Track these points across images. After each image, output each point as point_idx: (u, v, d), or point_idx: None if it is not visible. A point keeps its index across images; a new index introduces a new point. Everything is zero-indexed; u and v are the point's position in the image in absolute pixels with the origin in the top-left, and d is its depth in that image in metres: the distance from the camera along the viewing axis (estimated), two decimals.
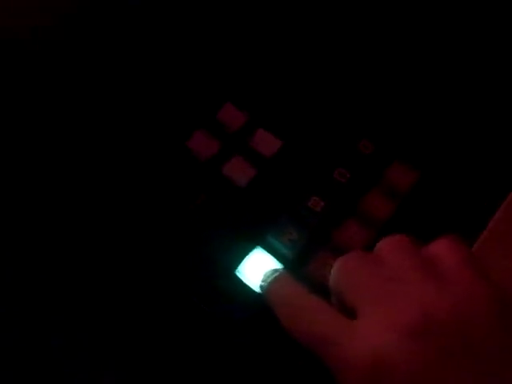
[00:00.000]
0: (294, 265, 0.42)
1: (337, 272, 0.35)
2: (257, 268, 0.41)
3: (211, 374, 0.41)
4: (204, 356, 0.41)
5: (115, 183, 0.44)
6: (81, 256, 0.43)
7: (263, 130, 0.46)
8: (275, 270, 0.39)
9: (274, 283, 0.38)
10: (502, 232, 0.42)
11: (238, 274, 0.41)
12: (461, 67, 0.49)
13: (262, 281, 0.39)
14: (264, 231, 0.43)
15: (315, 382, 0.37)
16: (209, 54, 0.49)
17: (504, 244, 0.42)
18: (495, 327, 0.32)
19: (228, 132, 0.46)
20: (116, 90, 0.47)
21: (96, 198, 0.44)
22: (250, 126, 0.46)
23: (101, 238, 0.43)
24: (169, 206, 0.44)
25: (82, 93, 0.47)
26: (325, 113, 0.47)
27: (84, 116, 0.46)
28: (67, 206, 0.44)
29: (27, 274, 0.42)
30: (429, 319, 0.31)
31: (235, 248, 0.42)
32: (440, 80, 0.48)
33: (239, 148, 0.46)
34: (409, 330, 0.31)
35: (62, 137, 0.45)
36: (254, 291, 0.40)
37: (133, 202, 0.44)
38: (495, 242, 0.42)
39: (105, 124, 0.46)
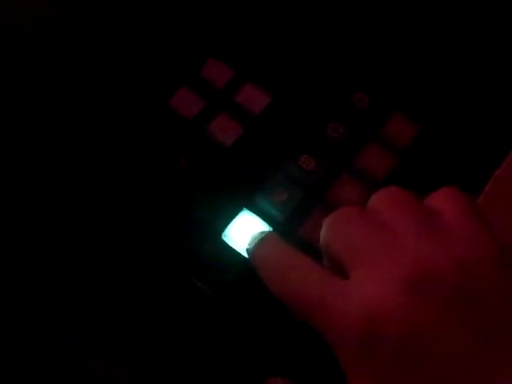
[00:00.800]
0: (285, 227, 0.39)
1: (327, 228, 0.32)
2: (244, 231, 0.38)
3: (203, 343, 0.38)
4: (194, 323, 0.38)
5: (94, 145, 0.41)
6: (67, 223, 0.40)
7: (250, 85, 0.43)
8: (262, 232, 0.36)
9: (260, 245, 0.35)
10: (504, 188, 0.39)
11: (224, 238, 0.38)
12: (463, 12, 0.45)
13: (249, 244, 0.36)
14: (252, 192, 0.40)
15: (305, 347, 0.35)
16: (191, 6, 0.45)
17: (507, 200, 0.39)
18: (498, 279, 0.29)
19: (213, 89, 0.43)
20: (96, 46, 0.44)
21: (76, 164, 0.41)
22: (236, 81, 0.43)
23: (83, 207, 0.40)
24: (150, 168, 0.41)
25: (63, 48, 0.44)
26: (316, 64, 0.44)
27: (65, 74, 0.43)
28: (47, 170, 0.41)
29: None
30: (427, 272, 0.29)
31: (221, 211, 0.39)
32: (438, 27, 0.45)
33: (225, 105, 0.43)
34: (405, 284, 0.29)
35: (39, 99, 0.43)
36: (241, 256, 0.37)
37: (113, 165, 0.41)
38: (498, 198, 0.39)
39: (84, 82, 0.43)
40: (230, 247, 0.38)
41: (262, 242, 0.35)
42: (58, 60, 0.44)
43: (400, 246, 0.30)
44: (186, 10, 0.45)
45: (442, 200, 0.32)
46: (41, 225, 0.40)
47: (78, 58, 0.44)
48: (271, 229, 0.38)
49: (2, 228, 0.40)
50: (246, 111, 0.43)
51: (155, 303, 0.39)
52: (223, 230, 0.39)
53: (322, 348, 0.31)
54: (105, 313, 0.39)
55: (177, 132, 0.42)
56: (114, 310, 0.39)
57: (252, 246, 0.35)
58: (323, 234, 0.33)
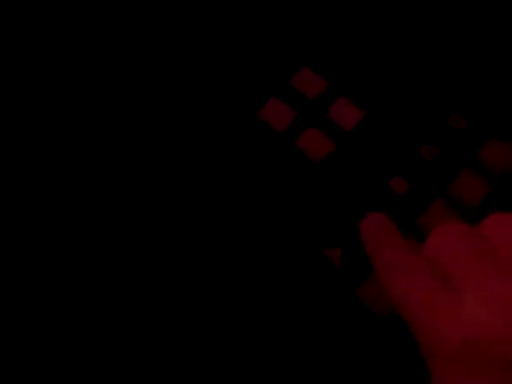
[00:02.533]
0: None
1: (439, 238, 0.31)
2: None
3: None
4: None
5: (177, 157, 0.41)
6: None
7: (343, 99, 0.42)
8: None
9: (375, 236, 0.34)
10: None
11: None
12: None
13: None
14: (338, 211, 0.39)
15: None
16: (285, 13, 0.44)
17: None
18: None
19: (305, 100, 0.42)
20: (184, 54, 0.43)
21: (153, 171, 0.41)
22: (329, 94, 0.42)
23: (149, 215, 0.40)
24: (237, 182, 0.40)
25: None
26: (412, 82, 0.42)
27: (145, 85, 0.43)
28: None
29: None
30: None
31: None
32: None
33: (316, 119, 0.42)
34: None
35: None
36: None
37: (196, 178, 0.41)
38: None
39: (169, 91, 0.43)
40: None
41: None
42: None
43: (505, 270, 0.29)
44: (279, 17, 0.44)
45: None
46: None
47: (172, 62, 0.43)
48: None
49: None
50: (338, 126, 0.42)
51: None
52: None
53: None
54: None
55: (265, 144, 0.41)
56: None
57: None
58: (432, 243, 0.32)
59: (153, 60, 0.44)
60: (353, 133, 0.41)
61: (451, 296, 0.30)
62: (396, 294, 0.32)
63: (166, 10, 0.45)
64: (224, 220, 0.40)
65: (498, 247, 0.31)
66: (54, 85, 0.44)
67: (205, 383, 0.37)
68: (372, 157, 0.41)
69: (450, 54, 0.43)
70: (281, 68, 0.43)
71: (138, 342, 0.38)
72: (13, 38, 0.45)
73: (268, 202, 0.40)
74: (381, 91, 0.42)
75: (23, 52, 0.45)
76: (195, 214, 0.40)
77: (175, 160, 0.41)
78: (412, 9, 0.44)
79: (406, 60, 0.43)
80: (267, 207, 0.40)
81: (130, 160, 0.41)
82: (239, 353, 0.37)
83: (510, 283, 0.29)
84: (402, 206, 0.39)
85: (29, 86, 0.44)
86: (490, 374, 0.28)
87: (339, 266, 0.38)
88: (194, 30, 0.44)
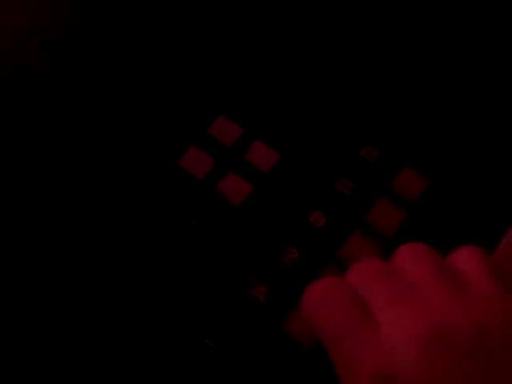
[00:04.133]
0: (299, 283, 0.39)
1: (356, 272, 0.33)
2: None
3: None
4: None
5: (102, 208, 0.42)
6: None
7: (259, 142, 0.43)
8: None
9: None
10: None
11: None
12: (469, 65, 0.46)
13: None
14: (262, 252, 0.40)
15: None
16: (199, 64, 0.46)
17: None
18: None
19: (222, 147, 0.44)
20: (106, 105, 0.44)
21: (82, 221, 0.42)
22: (245, 139, 0.44)
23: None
24: (161, 229, 0.41)
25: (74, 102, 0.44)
26: (323, 120, 0.44)
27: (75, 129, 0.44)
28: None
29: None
30: (447, 332, 0.30)
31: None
32: (445, 79, 0.45)
33: (234, 163, 0.43)
34: (425, 341, 0.30)
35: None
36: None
37: (122, 228, 0.41)
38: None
39: (94, 140, 0.44)
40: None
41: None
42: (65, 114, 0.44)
43: (424, 302, 0.31)
44: (193, 68, 0.46)
45: (465, 259, 0.33)
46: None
47: (86, 113, 0.44)
48: None
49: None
50: (256, 169, 0.43)
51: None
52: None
53: None
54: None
55: (187, 192, 0.42)
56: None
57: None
58: (351, 277, 0.33)
59: None
60: (270, 174, 0.43)
61: (368, 330, 0.31)
62: (317, 320, 0.33)
63: None
64: (148, 268, 0.40)
65: (408, 277, 0.32)
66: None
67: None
68: (290, 194, 0.42)
69: (358, 91, 0.45)
70: (197, 117, 0.44)
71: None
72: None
73: (191, 249, 0.41)
74: (294, 131, 0.44)
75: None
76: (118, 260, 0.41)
77: (95, 213, 0.42)
78: (319, 55, 0.46)
79: (314, 98, 0.45)
80: (191, 254, 0.41)
81: None
82: None
83: (415, 309, 0.31)
84: (322, 238, 0.40)
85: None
86: None
87: (265, 303, 0.38)
88: (119, 81, 0.45)
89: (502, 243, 0.40)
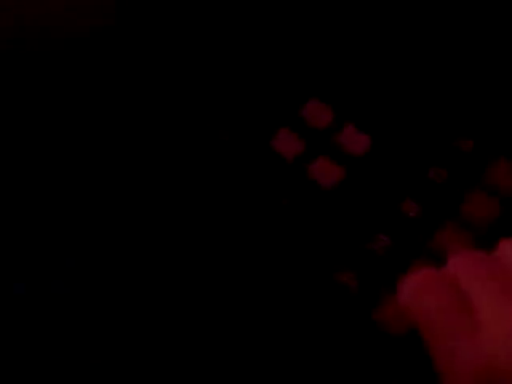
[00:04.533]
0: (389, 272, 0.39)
1: (458, 265, 0.32)
2: None
3: None
4: None
5: (191, 188, 0.42)
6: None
7: (351, 126, 0.43)
8: None
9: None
10: None
11: None
12: None
13: None
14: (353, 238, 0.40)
15: None
16: (288, 46, 0.46)
17: None
18: None
19: (314, 129, 0.43)
20: (195, 87, 0.45)
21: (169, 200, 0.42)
22: (337, 122, 0.43)
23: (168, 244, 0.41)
24: (249, 211, 0.41)
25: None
26: (419, 106, 0.43)
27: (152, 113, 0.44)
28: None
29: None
30: None
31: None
32: None
33: (326, 147, 0.43)
34: None
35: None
36: None
37: (208, 209, 0.42)
38: None
39: (184, 124, 0.44)
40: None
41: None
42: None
43: None
44: (287, 50, 0.45)
45: None
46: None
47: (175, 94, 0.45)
48: None
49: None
50: (348, 153, 0.43)
51: None
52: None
53: None
54: None
55: (278, 174, 0.42)
56: None
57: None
58: (451, 269, 0.32)
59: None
60: (362, 159, 0.42)
61: (470, 323, 0.30)
62: (421, 317, 0.32)
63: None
64: (237, 247, 0.41)
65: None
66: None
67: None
68: (382, 181, 0.42)
69: (454, 77, 0.44)
70: (290, 99, 0.44)
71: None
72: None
73: (281, 230, 0.41)
74: (387, 116, 0.43)
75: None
76: (208, 240, 0.41)
77: (190, 193, 0.42)
78: (413, 36, 0.45)
79: (411, 85, 0.44)
80: (281, 235, 0.41)
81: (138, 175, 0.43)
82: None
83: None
84: (413, 229, 0.40)
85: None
86: None
87: (355, 291, 0.38)
88: (206, 66, 0.46)
89: None
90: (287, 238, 0.41)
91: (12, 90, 0.45)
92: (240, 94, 0.45)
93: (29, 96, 0.45)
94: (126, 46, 0.46)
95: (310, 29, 0.46)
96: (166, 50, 0.46)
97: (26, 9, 0.47)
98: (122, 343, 0.39)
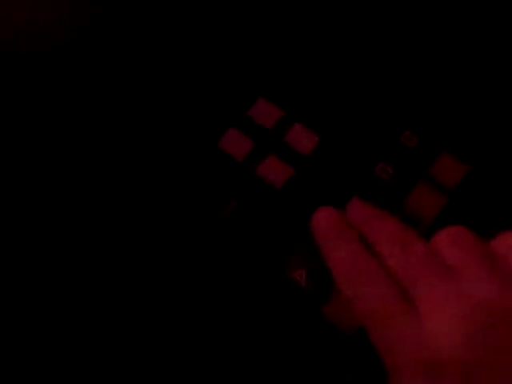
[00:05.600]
0: None
1: (397, 252, 0.33)
2: None
3: None
4: None
5: (138, 191, 0.42)
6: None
7: (299, 125, 0.44)
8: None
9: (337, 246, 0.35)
10: None
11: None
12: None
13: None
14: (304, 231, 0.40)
15: None
16: (234, 48, 0.46)
17: None
18: None
19: (262, 129, 0.44)
20: (141, 90, 0.45)
21: (117, 206, 0.42)
22: (285, 121, 0.44)
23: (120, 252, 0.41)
24: (197, 214, 0.42)
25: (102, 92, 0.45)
26: (363, 104, 0.44)
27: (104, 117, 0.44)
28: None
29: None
30: (494, 319, 0.29)
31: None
32: (488, 67, 0.45)
33: (274, 146, 0.43)
34: (469, 324, 0.29)
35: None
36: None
37: (157, 213, 0.42)
38: None
39: (131, 125, 0.44)
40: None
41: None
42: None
43: (464, 288, 0.31)
44: (234, 50, 0.46)
45: (507, 244, 0.32)
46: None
47: (124, 95, 0.45)
48: None
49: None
50: (296, 152, 0.43)
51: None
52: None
53: None
54: None
55: (226, 175, 0.43)
56: None
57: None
58: (389, 251, 0.33)
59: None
60: (311, 157, 0.43)
61: (408, 312, 0.31)
62: (360, 308, 0.33)
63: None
64: (188, 249, 0.41)
65: (447, 260, 0.32)
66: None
67: None
68: (330, 179, 0.42)
69: (398, 74, 0.45)
70: (237, 99, 0.45)
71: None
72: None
73: (231, 232, 0.41)
74: (334, 114, 0.44)
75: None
76: (158, 241, 0.41)
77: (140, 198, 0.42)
78: (356, 34, 0.46)
79: (355, 83, 0.45)
80: (230, 237, 0.41)
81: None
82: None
83: (459, 294, 0.30)
84: None
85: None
86: None
87: (305, 287, 0.39)
88: (155, 66, 0.46)
89: None
90: (237, 236, 0.41)
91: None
92: (187, 95, 0.45)
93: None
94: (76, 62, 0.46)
95: (257, 28, 0.46)
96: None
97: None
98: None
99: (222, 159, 0.43)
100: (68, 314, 0.40)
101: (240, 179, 0.43)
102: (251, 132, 0.44)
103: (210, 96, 0.45)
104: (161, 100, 0.45)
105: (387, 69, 0.45)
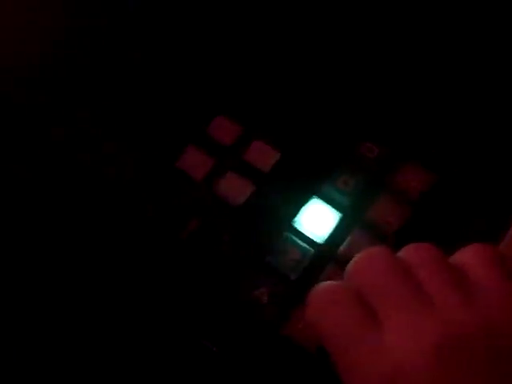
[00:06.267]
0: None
1: (362, 266, 0.32)
2: None
3: None
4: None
5: (96, 212, 0.41)
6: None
7: (258, 141, 0.43)
8: None
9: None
10: None
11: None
12: (471, 61, 0.45)
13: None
14: (265, 253, 0.40)
15: None
16: (196, 64, 0.45)
17: None
18: None
19: (221, 146, 0.43)
20: (100, 106, 0.44)
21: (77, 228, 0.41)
22: (244, 138, 0.43)
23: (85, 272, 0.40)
24: (157, 235, 0.41)
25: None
26: (322, 117, 0.43)
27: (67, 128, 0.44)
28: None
29: None
30: (455, 337, 0.29)
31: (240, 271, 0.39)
32: (449, 74, 0.44)
33: (233, 163, 0.42)
34: (433, 347, 0.29)
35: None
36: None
37: (117, 234, 0.41)
38: None
39: (87, 146, 0.43)
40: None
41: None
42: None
43: (432, 308, 0.30)
44: (190, 68, 0.45)
45: (472, 258, 0.32)
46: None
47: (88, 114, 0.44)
48: None
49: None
50: (256, 168, 0.42)
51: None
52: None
53: None
54: None
55: (185, 194, 0.42)
56: None
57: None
58: (355, 267, 0.32)
59: None
60: (271, 173, 0.42)
61: (373, 333, 0.30)
62: (322, 327, 0.32)
63: None
64: (148, 272, 0.40)
65: (420, 276, 0.31)
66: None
67: None
68: (291, 195, 0.41)
69: (359, 83, 0.44)
70: (196, 117, 0.44)
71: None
72: None
73: (192, 251, 0.40)
74: (293, 130, 0.43)
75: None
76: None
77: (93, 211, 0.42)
78: (311, 50, 0.46)
79: (314, 97, 0.44)
80: (191, 256, 0.40)
81: None
82: None
83: (423, 312, 0.30)
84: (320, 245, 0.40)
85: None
86: None
87: (266, 305, 0.38)
88: (117, 83, 0.45)
89: (508, 236, 0.39)
90: (198, 256, 0.40)
91: None
92: (144, 113, 0.44)
93: None
94: None
95: (213, 45, 0.46)
96: None
97: None
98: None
99: (180, 178, 0.42)
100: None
101: (200, 198, 0.42)
102: (210, 150, 0.43)
103: (168, 114, 0.44)
104: (118, 118, 0.44)
105: (345, 80, 0.44)
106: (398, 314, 0.30)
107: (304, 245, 0.40)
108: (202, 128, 0.43)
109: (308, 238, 0.40)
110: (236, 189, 0.42)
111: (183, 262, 0.40)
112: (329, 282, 0.33)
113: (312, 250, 0.40)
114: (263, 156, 0.43)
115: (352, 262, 0.33)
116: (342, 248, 0.39)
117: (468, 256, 0.32)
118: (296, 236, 0.40)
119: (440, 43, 0.45)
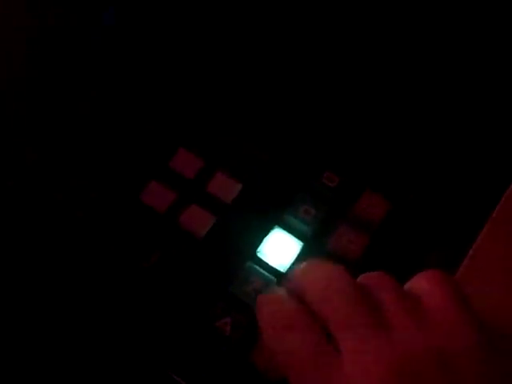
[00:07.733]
0: None
1: (320, 286, 0.33)
2: None
3: None
4: None
5: (61, 244, 0.42)
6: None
7: (220, 173, 0.43)
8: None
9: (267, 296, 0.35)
10: (482, 260, 0.39)
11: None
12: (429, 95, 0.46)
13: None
14: (225, 284, 0.40)
15: None
16: (156, 98, 0.46)
17: (486, 271, 0.39)
18: (478, 373, 0.29)
19: (183, 179, 0.44)
20: (64, 140, 0.44)
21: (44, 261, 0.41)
22: (206, 170, 0.44)
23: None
24: (120, 265, 0.41)
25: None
26: (283, 148, 0.44)
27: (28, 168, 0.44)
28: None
29: None
30: (406, 365, 0.29)
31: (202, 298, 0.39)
32: (403, 107, 0.45)
33: (195, 196, 0.43)
34: (386, 374, 0.29)
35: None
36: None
37: (81, 265, 0.41)
38: (475, 272, 0.39)
39: (50, 180, 0.44)
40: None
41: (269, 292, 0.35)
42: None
43: (387, 335, 0.30)
44: (151, 103, 0.46)
45: (426, 285, 0.32)
46: None
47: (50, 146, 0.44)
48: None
49: None
50: (218, 200, 0.43)
51: None
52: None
53: None
54: None
55: (149, 226, 0.42)
56: None
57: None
58: (318, 291, 0.32)
59: None
60: (233, 205, 0.43)
61: (330, 358, 0.30)
62: (278, 356, 0.32)
63: None
64: (111, 307, 0.40)
65: (376, 300, 0.32)
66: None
67: None
68: (254, 226, 0.42)
69: (317, 112, 0.45)
70: (158, 151, 0.44)
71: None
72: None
73: (155, 282, 0.41)
74: (254, 161, 0.44)
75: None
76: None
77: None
78: (268, 84, 0.47)
79: (273, 128, 0.45)
80: (154, 287, 0.40)
81: None
82: None
83: (377, 338, 0.30)
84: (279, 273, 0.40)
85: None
86: None
87: (230, 335, 0.38)
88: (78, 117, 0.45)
89: (463, 265, 0.40)
90: (161, 286, 0.40)
91: None
92: (107, 148, 0.45)
93: None
94: None
95: (173, 78, 0.47)
96: None
97: None
98: None
99: (144, 211, 0.43)
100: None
101: (163, 230, 0.42)
102: (173, 183, 0.43)
103: (130, 148, 0.45)
104: (80, 154, 0.44)
105: (305, 112, 0.45)
106: (355, 344, 0.30)
107: (267, 274, 0.40)
108: (165, 162, 0.44)
109: (271, 267, 0.40)
110: (199, 220, 0.42)
111: (145, 294, 0.40)
112: (276, 295, 0.34)
113: (275, 279, 0.40)
114: (225, 187, 0.43)
115: (305, 273, 0.34)
116: None
117: (422, 283, 0.33)
118: (259, 265, 0.40)
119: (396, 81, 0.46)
